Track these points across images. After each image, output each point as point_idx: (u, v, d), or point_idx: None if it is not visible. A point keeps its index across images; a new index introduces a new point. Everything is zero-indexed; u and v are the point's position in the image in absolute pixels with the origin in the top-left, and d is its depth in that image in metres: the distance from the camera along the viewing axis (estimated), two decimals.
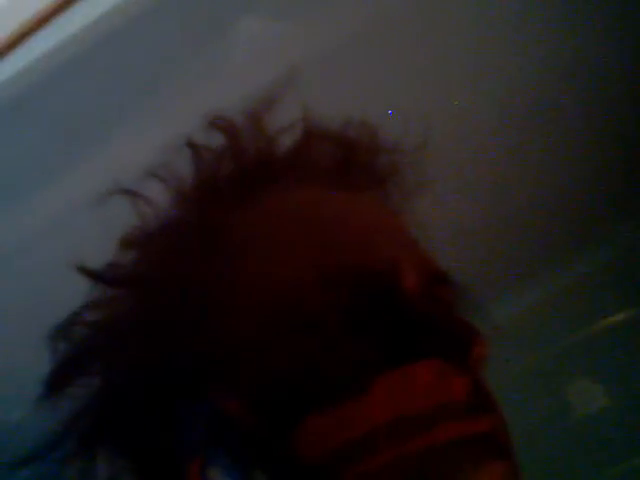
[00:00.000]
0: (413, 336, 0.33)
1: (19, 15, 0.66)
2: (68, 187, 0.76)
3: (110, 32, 0.67)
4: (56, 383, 0.38)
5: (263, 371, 0.34)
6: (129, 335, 0.38)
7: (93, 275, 0.40)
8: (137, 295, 0.39)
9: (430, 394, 0.32)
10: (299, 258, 0.35)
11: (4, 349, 0.78)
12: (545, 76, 0.99)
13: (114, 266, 0.40)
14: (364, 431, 0.31)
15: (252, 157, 0.41)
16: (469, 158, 1.01)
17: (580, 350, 1.64)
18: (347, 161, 0.43)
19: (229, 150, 0.41)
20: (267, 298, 0.35)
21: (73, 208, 0.72)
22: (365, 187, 0.42)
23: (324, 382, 0.32)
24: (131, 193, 0.41)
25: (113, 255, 0.40)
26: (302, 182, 0.40)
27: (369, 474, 0.31)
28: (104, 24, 0.67)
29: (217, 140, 0.41)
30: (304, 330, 0.33)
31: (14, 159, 0.75)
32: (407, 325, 0.33)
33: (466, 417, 0.31)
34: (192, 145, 0.42)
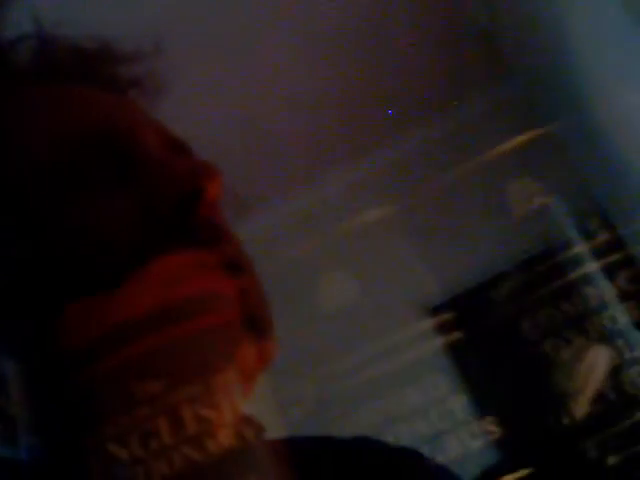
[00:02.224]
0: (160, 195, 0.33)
1: None
2: None
3: None
4: None
5: (17, 242, 0.33)
6: None
7: None
8: None
9: (188, 283, 0.32)
10: (42, 130, 0.36)
11: None
12: None
13: None
14: (121, 320, 0.31)
15: None
16: None
17: (335, 245, 1.79)
18: (84, 70, 0.43)
19: None
20: (18, 165, 0.35)
21: None
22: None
23: (85, 264, 0.32)
24: None
25: None
26: (41, 82, 0.41)
27: (124, 363, 0.31)
28: None
29: None
30: (60, 193, 0.33)
31: None
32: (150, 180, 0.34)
33: (218, 307, 0.32)
34: None
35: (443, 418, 1.78)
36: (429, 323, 1.83)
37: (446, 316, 1.84)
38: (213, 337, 0.32)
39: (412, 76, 1.87)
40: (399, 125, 1.98)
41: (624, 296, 1.77)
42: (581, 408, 1.64)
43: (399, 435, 1.71)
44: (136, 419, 0.30)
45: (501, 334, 1.89)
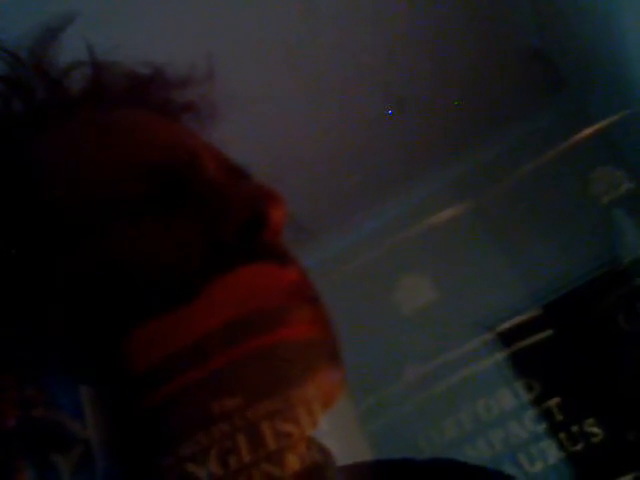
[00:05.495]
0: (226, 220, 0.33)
1: None
2: None
3: None
4: None
5: (82, 270, 0.32)
6: None
7: None
8: None
9: (259, 298, 0.31)
10: (103, 156, 0.36)
11: None
12: None
13: None
14: (195, 337, 0.30)
15: (43, 92, 0.41)
16: None
17: (407, 247, 1.72)
18: (138, 97, 0.43)
19: (17, 85, 0.41)
20: (78, 192, 0.34)
21: None
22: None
23: (151, 287, 0.31)
24: None
25: None
26: (98, 108, 0.40)
27: (201, 380, 0.30)
28: None
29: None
30: (121, 219, 0.33)
31: None
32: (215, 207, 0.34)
33: (294, 321, 0.31)
34: None
35: (539, 421, 1.71)
36: (514, 322, 1.77)
37: (534, 314, 1.77)
38: (290, 351, 0.31)
39: (479, 92, 2.04)
40: (473, 132, 2.06)
41: None
42: None
43: (492, 442, 1.65)
44: (215, 437, 0.30)
45: (597, 330, 1.81)
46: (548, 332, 1.77)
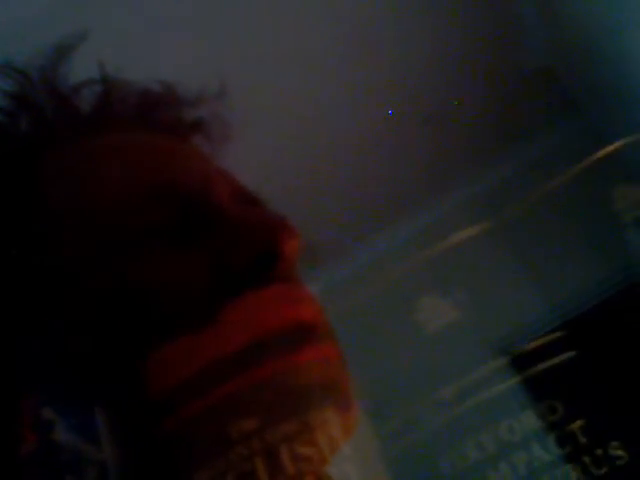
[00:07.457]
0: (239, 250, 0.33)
1: None
2: None
3: None
4: None
5: (97, 297, 0.32)
6: None
7: None
8: None
9: (272, 322, 0.31)
10: (115, 182, 0.35)
11: None
12: None
13: None
14: (210, 362, 0.30)
15: (52, 110, 0.41)
16: None
17: (427, 266, 1.67)
18: (149, 115, 0.42)
19: (25, 103, 0.40)
20: (91, 219, 0.34)
21: None
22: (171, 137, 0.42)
23: (165, 312, 0.31)
24: None
25: None
26: (108, 130, 0.40)
27: (217, 404, 0.30)
28: None
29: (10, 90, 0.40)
30: (133, 247, 0.33)
31: None
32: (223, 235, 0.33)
33: (307, 346, 0.31)
34: None
35: (562, 445, 1.68)
36: (536, 342, 1.75)
37: (556, 334, 1.75)
38: (305, 375, 0.31)
39: (497, 109, 2.09)
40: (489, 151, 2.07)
41: None
42: None
43: (515, 465, 1.62)
44: (232, 460, 0.29)
45: (620, 349, 1.77)
46: (571, 353, 1.74)
